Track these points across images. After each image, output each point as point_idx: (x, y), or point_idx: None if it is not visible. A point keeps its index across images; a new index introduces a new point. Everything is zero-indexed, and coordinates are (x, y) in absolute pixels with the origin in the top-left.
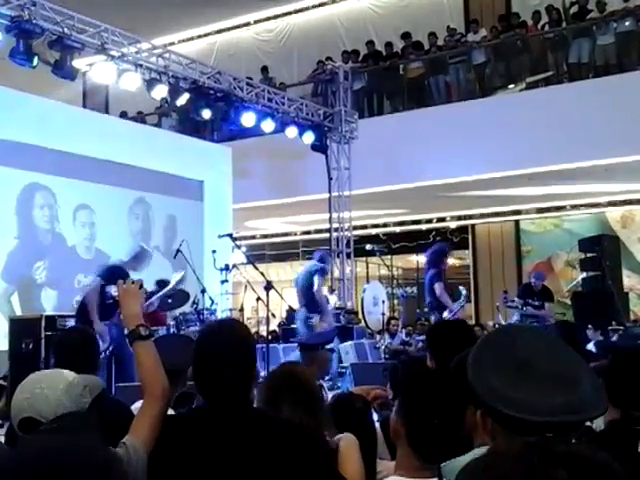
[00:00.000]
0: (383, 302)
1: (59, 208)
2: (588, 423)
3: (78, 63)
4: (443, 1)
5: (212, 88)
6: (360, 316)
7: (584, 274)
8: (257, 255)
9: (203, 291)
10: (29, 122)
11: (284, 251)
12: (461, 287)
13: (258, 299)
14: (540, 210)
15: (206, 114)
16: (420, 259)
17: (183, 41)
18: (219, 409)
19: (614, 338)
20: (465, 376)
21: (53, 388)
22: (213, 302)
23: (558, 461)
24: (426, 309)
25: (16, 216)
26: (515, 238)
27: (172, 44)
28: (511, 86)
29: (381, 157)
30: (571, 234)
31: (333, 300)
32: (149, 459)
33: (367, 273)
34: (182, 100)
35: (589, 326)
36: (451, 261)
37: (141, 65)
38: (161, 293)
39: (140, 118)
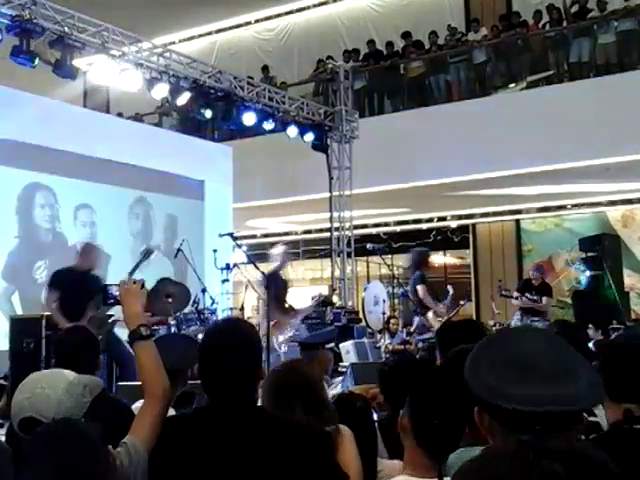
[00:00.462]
0: (384, 301)
1: (60, 207)
2: (596, 419)
3: (79, 62)
4: (444, 0)
5: (213, 87)
6: (361, 315)
7: (588, 272)
8: (258, 255)
9: (204, 290)
10: (30, 121)
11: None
12: (449, 286)
13: (259, 299)
14: (541, 209)
15: (207, 113)
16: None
17: (184, 40)
18: (224, 408)
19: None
20: (461, 371)
21: (54, 388)
22: (214, 301)
23: (553, 457)
24: (411, 310)
25: (17, 215)
26: (516, 237)
27: (173, 43)
28: (512, 85)
29: (382, 156)
30: (572, 233)
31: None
32: (152, 459)
33: (368, 272)
34: (183, 99)
35: (590, 325)
36: (452, 260)
37: (142, 64)
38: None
39: (140, 117)
